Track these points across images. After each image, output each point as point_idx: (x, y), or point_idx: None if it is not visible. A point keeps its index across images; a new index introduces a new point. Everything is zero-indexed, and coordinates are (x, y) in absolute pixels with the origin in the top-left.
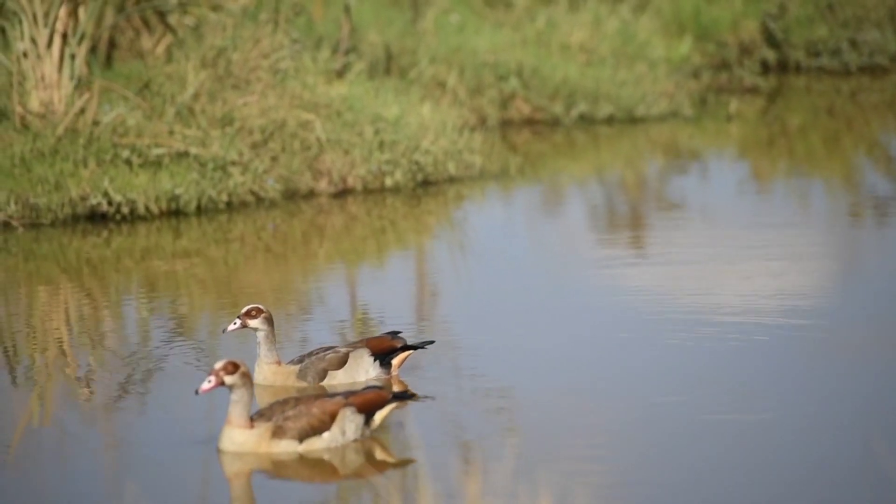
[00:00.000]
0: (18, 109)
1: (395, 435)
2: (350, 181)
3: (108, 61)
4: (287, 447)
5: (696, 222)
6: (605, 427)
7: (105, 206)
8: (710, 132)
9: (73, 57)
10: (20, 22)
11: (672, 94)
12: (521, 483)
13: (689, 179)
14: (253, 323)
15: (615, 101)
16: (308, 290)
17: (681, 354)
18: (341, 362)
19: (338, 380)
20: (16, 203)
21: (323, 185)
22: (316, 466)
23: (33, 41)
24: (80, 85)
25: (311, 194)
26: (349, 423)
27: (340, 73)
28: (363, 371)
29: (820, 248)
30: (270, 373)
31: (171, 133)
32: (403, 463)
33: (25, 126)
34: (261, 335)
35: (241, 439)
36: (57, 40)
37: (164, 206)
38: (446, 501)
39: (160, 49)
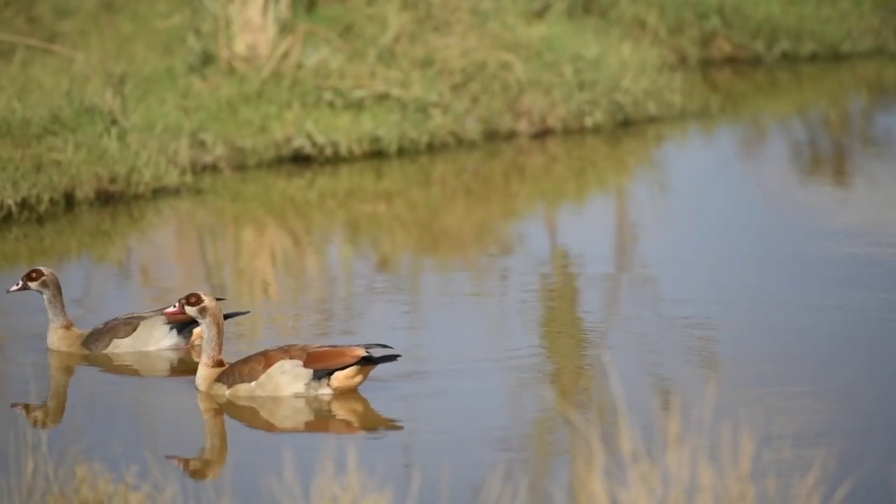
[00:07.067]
0: (225, 53)
1: (591, 372)
2: (550, 121)
3: (311, 4)
4: (218, 390)
5: None
6: (808, 363)
7: (308, 148)
8: None
9: (277, 0)
10: None
11: (878, 29)
12: (722, 420)
13: None
14: (33, 285)
15: (819, 38)
16: (508, 231)
17: (885, 292)
18: (128, 331)
19: (122, 348)
20: (223, 145)
21: (523, 126)
22: (474, 411)
23: None
24: (285, 28)
25: (511, 135)
26: (284, 377)
27: (540, 14)
28: (153, 340)
29: None
30: (57, 337)
31: (373, 75)
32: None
33: (232, 69)
34: (45, 298)
35: (197, 375)
36: None
37: (366, 147)
38: (647, 440)
39: None
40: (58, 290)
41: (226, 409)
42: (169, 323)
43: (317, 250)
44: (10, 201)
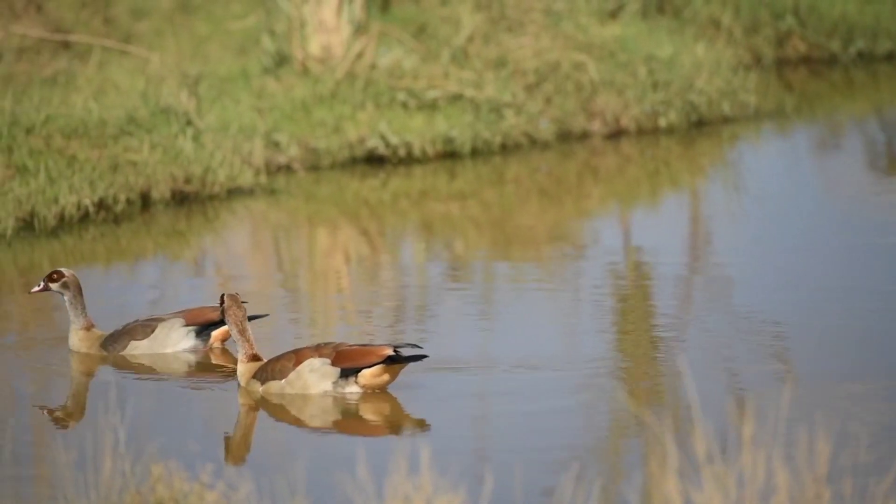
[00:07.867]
0: (299, 54)
1: (664, 372)
2: (623, 122)
3: (385, 5)
4: (253, 386)
5: None
6: (884, 362)
7: (382, 149)
8: None
9: (351, 1)
10: None
11: None
12: (797, 421)
13: None
14: (54, 286)
15: (895, 38)
16: (582, 231)
17: None
18: (146, 333)
19: (140, 350)
20: (297, 146)
21: (596, 126)
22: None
23: None
24: (358, 29)
25: (584, 135)
26: (312, 375)
27: (614, 14)
28: (171, 342)
29: None
30: (77, 339)
31: (446, 75)
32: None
33: (306, 70)
34: (65, 299)
35: (237, 371)
36: None
37: (439, 148)
38: (721, 441)
39: None
40: (78, 291)
41: (284, 407)
42: (187, 325)
43: (390, 250)
44: (87, 201)
